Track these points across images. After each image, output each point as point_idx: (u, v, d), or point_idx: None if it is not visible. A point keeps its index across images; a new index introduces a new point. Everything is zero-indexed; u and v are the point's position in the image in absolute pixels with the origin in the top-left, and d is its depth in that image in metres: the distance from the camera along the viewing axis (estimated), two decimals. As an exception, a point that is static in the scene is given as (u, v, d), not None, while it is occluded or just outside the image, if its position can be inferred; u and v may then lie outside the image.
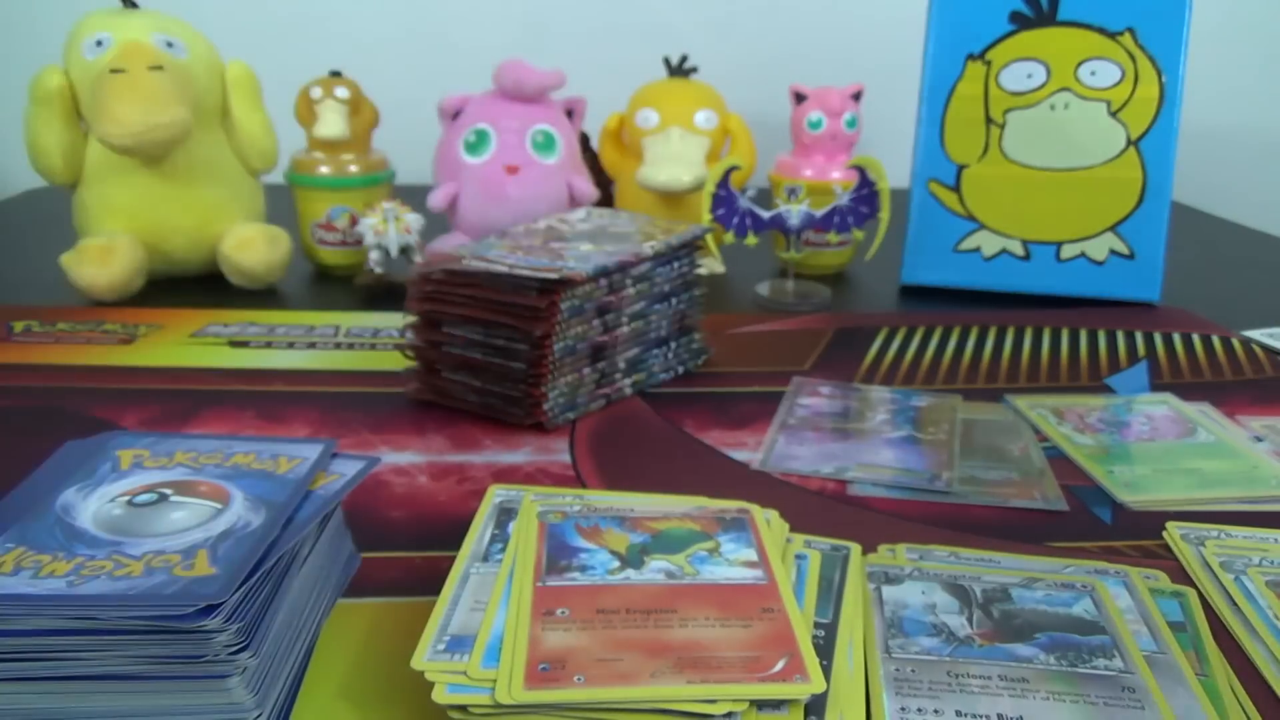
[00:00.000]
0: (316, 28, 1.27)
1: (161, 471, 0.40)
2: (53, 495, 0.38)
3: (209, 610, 0.31)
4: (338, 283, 0.89)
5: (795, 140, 0.94)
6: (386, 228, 0.83)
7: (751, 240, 0.85)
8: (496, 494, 0.47)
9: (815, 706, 0.34)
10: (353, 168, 0.88)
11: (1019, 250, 0.88)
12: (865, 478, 0.54)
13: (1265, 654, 0.39)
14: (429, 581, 0.41)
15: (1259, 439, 0.59)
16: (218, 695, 0.32)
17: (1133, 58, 0.85)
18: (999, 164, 0.87)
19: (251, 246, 0.83)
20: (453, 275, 0.58)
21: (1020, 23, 0.86)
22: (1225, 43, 1.30)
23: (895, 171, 0.88)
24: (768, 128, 1.05)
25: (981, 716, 0.34)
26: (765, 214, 0.84)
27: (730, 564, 0.41)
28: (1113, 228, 0.86)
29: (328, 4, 1.27)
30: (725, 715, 0.32)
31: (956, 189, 0.88)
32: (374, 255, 0.84)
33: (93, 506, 0.37)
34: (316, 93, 0.87)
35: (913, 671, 0.37)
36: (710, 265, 0.93)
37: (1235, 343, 0.76)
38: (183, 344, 0.72)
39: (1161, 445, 0.58)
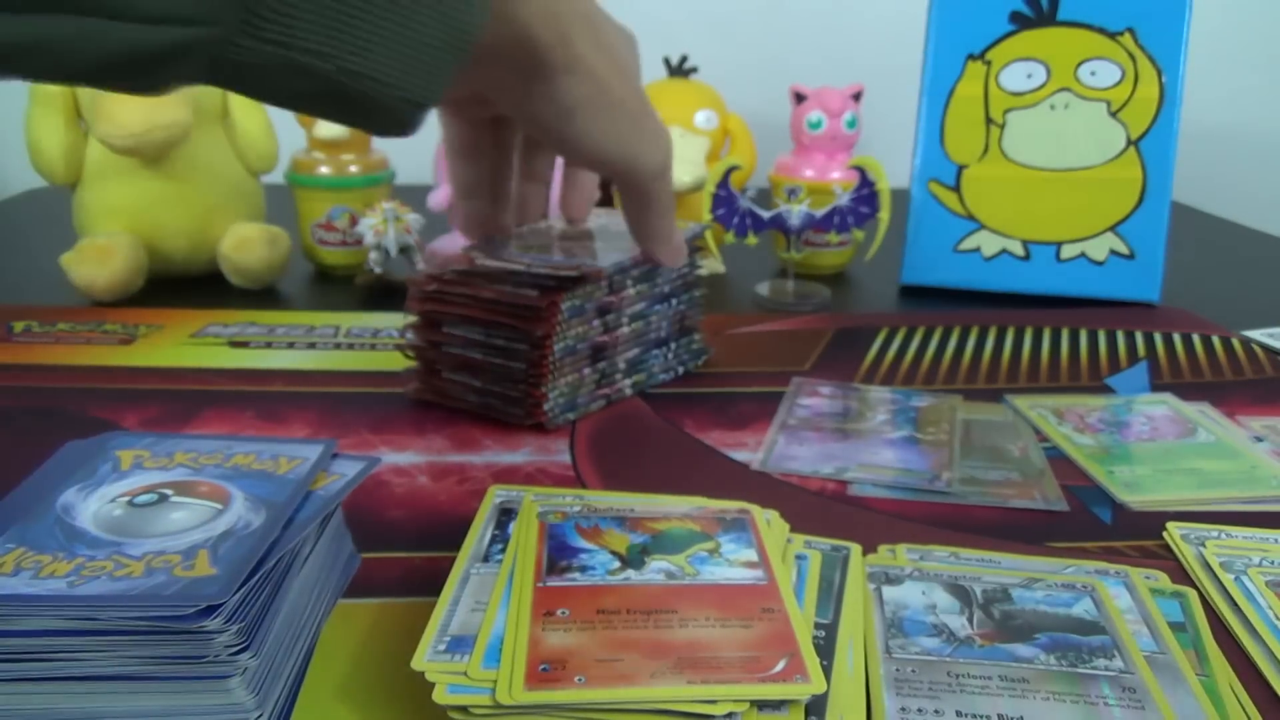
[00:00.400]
0: (316, 28, 1.27)
1: (161, 472, 0.40)
2: (53, 495, 0.38)
3: (209, 610, 0.31)
4: (338, 283, 0.89)
5: (795, 140, 0.94)
6: (386, 228, 0.83)
7: (751, 240, 0.85)
8: (496, 494, 0.47)
9: (815, 707, 0.34)
10: (353, 168, 0.88)
11: (1019, 250, 0.88)
12: (865, 478, 0.54)
13: (1265, 654, 0.39)
14: (429, 581, 0.41)
15: (1259, 439, 0.59)
16: (218, 696, 0.32)
17: (1133, 58, 0.85)
18: (999, 164, 0.87)
19: (251, 246, 0.83)
20: (464, 276, 0.58)
21: (1020, 23, 0.86)
22: (1225, 43, 1.30)
23: (895, 171, 0.88)
24: (768, 128, 1.05)
25: (981, 716, 0.34)
26: (765, 214, 0.84)
27: (730, 564, 0.41)
28: (1113, 228, 0.86)
29: (328, 4, 1.27)
30: (725, 715, 0.32)
31: (956, 189, 0.88)
32: (374, 255, 0.84)
33: (93, 507, 0.37)
34: None
35: (913, 672, 0.37)
36: (710, 265, 0.93)
37: (1235, 343, 0.76)
38: (183, 344, 0.72)
39: (1161, 445, 0.58)
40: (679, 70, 0.98)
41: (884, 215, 0.86)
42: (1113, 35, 0.85)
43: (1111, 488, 0.53)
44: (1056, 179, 0.87)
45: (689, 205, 0.91)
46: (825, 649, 0.38)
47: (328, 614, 0.41)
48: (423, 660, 0.34)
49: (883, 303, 0.87)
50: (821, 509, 0.51)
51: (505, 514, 0.45)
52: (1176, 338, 0.77)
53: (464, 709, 0.33)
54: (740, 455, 0.56)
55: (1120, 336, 0.78)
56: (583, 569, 0.40)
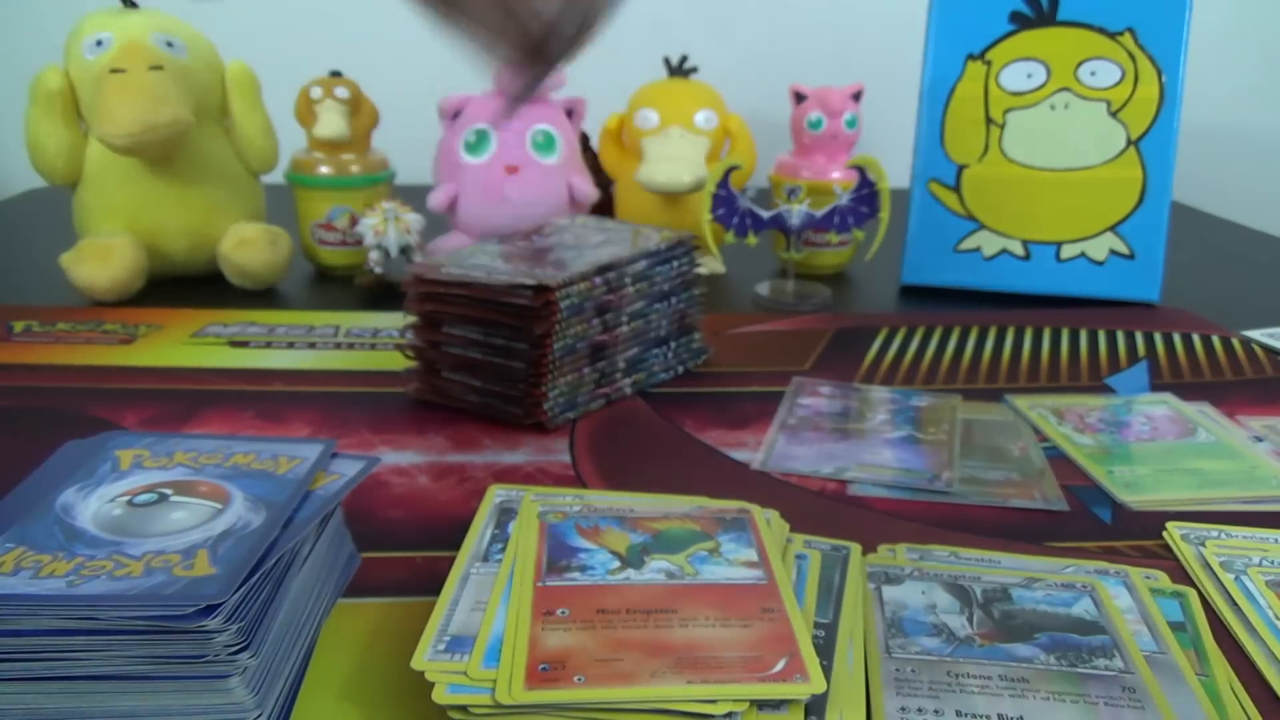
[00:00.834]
0: (316, 28, 1.27)
1: (161, 471, 0.40)
2: (53, 495, 0.38)
3: (209, 610, 0.31)
4: (338, 283, 0.89)
5: (795, 140, 0.94)
6: (386, 228, 0.83)
7: (751, 240, 0.85)
8: (496, 494, 0.47)
9: (815, 706, 0.34)
10: (353, 168, 0.88)
11: (1019, 250, 0.88)
12: (865, 478, 0.54)
13: (1265, 654, 0.39)
14: (429, 581, 0.41)
15: (1259, 439, 0.59)
16: (218, 695, 0.32)
17: (1133, 58, 0.85)
18: (999, 164, 0.87)
19: (251, 246, 0.83)
20: (440, 281, 0.59)
21: (1020, 23, 0.86)
22: (1225, 43, 1.30)
23: (895, 171, 0.88)
24: (768, 128, 1.05)
25: (981, 716, 0.34)
26: (765, 214, 0.84)
27: (730, 564, 0.41)
28: (1113, 228, 0.86)
29: (328, 4, 1.27)
30: (725, 715, 0.32)
31: (956, 189, 0.88)
32: (374, 255, 0.84)
33: (93, 506, 0.37)
34: (316, 93, 0.87)
35: (913, 671, 0.37)
36: (710, 265, 0.93)
37: (1235, 343, 0.76)
38: (183, 344, 0.72)
39: (1161, 445, 0.58)
40: (679, 70, 0.98)
41: (884, 215, 0.86)
42: (1113, 35, 0.85)
43: (1111, 488, 0.53)
44: (1056, 179, 0.86)
45: (689, 205, 0.91)
46: (825, 649, 0.38)
47: (328, 614, 0.41)
48: (423, 660, 0.34)
49: (883, 303, 0.87)
50: (821, 509, 0.51)
51: (505, 514, 0.45)
52: (1176, 338, 0.77)
53: (464, 708, 0.33)
54: (740, 455, 0.56)
55: (1120, 336, 0.78)
56: (582, 569, 0.40)
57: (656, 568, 0.40)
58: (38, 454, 0.41)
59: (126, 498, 0.38)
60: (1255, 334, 0.78)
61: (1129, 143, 0.85)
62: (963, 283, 0.88)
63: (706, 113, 0.94)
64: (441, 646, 0.35)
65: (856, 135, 0.93)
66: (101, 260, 0.80)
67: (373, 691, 0.36)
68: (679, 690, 0.33)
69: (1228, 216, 1.22)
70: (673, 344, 0.67)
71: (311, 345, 0.72)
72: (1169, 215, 0.85)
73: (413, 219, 0.84)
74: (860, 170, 0.85)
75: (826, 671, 0.36)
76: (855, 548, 0.45)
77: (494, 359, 0.58)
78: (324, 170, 0.88)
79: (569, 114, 0.89)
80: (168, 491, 0.39)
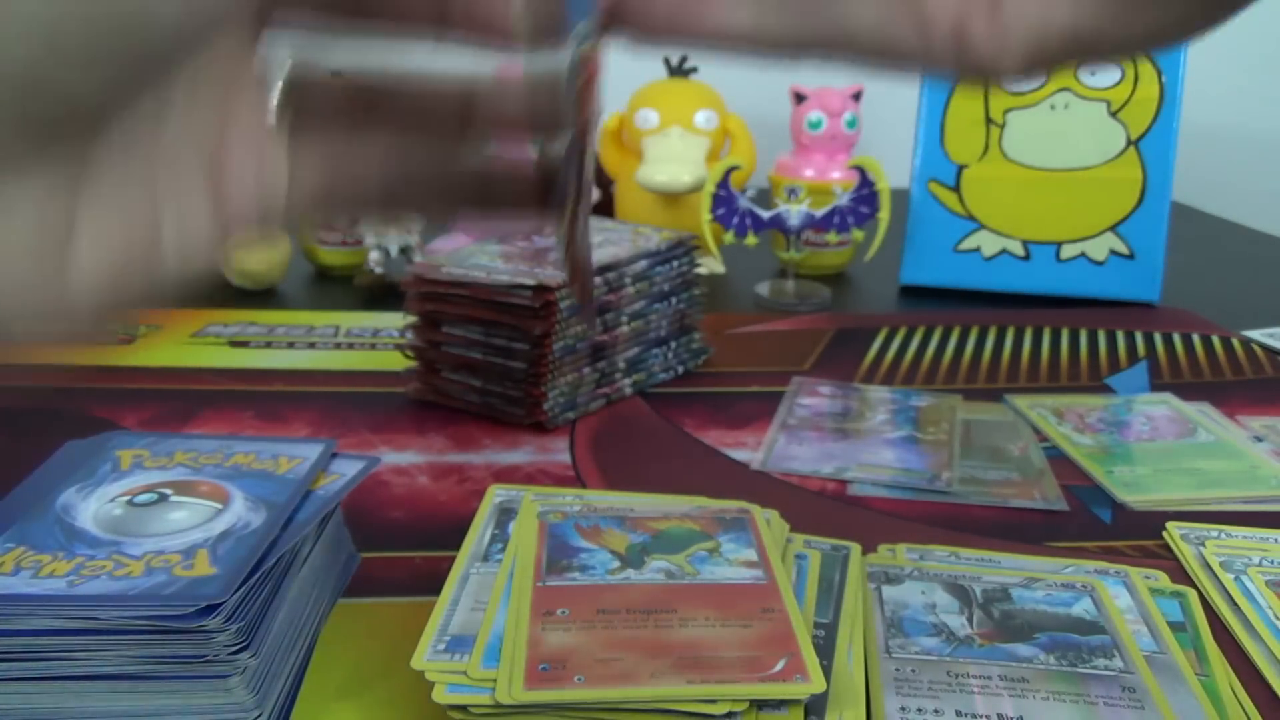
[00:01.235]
0: (316, 28, 1.27)
1: (161, 471, 0.40)
2: (53, 495, 0.38)
3: (209, 610, 0.31)
4: (338, 283, 0.89)
5: (795, 140, 0.94)
6: (386, 228, 0.83)
7: (751, 240, 0.85)
8: (496, 494, 0.47)
9: (815, 706, 0.34)
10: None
11: (1019, 250, 0.88)
12: (865, 478, 0.54)
13: (1265, 654, 0.39)
14: (429, 581, 0.41)
15: (1259, 439, 0.59)
16: (218, 695, 0.32)
17: (1133, 58, 0.85)
18: (999, 164, 0.87)
19: (252, 247, 0.83)
20: (440, 281, 0.59)
21: (1020, 23, 0.86)
22: (1225, 43, 1.30)
23: (895, 171, 0.88)
24: (768, 128, 1.05)
25: (981, 716, 0.34)
26: (765, 214, 0.84)
27: (730, 564, 0.41)
28: (1113, 228, 0.86)
29: (328, 4, 1.27)
30: (725, 715, 0.32)
31: (956, 189, 0.88)
32: (374, 255, 0.84)
33: (93, 506, 0.37)
34: None
35: (913, 671, 0.37)
36: (710, 265, 0.93)
37: (1235, 343, 0.76)
38: (183, 344, 0.72)
39: (1161, 445, 0.58)
40: (679, 70, 0.98)
41: (884, 215, 0.86)
42: (1113, 35, 0.85)
43: (1111, 488, 0.53)
44: (1056, 179, 0.86)
45: (689, 205, 0.91)
46: (825, 649, 0.38)
47: (328, 614, 0.41)
48: (423, 660, 0.34)
49: (883, 303, 0.87)
50: (821, 509, 0.51)
51: (505, 514, 0.45)
52: (1176, 338, 0.77)
53: (464, 708, 0.33)
54: (740, 455, 0.56)
55: (1120, 336, 0.78)
56: (583, 569, 0.40)
57: (656, 568, 0.40)
58: (38, 454, 0.41)
59: (126, 498, 0.38)
60: (1255, 334, 0.78)
61: (1129, 143, 0.85)
62: (963, 283, 0.88)
63: (706, 113, 0.94)
64: (441, 646, 0.35)
65: (856, 135, 0.93)
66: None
67: (373, 691, 0.36)
68: (679, 690, 0.33)
69: (1228, 216, 1.22)
70: (673, 344, 0.67)
71: (311, 345, 0.72)
72: (1169, 215, 0.85)
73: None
74: (860, 170, 0.85)
75: (826, 671, 0.36)
76: (855, 548, 0.45)
77: (494, 359, 0.58)
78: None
79: (569, 114, 0.89)
80: (168, 491, 0.39)
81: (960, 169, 0.88)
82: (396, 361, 0.67)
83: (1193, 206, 1.24)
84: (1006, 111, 0.87)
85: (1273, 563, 0.45)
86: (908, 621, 0.40)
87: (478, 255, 0.62)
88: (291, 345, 0.72)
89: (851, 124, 0.92)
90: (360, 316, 0.79)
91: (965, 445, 0.58)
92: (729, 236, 0.85)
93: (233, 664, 0.32)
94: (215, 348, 0.71)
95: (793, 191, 0.84)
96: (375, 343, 0.73)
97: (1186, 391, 0.66)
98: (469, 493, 0.51)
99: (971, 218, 0.89)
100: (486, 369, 0.59)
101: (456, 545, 0.42)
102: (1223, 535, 0.48)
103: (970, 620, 0.40)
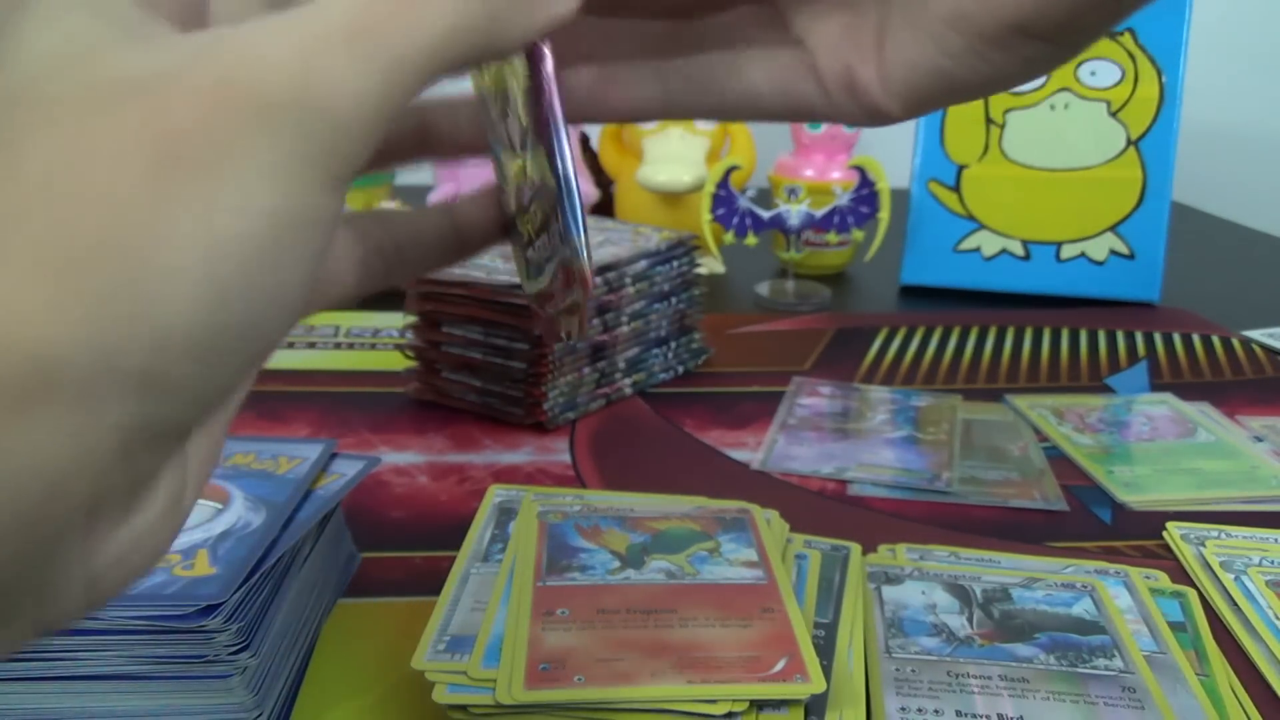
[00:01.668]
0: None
1: (161, 471, 0.40)
2: (53, 495, 0.38)
3: (209, 610, 0.31)
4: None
5: (795, 140, 0.94)
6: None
7: (751, 240, 0.85)
8: (496, 494, 0.47)
9: (815, 706, 0.34)
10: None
11: (1019, 250, 0.88)
12: (865, 478, 0.54)
13: (1265, 654, 0.39)
14: (429, 581, 0.41)
15: (1259, 439, 0.59)
16: (218, 695, 0.32)
17: (1133, 58, 0.85)
18: (999, 164, 0.87)
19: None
20: (440, 281, 0.59)
21: (1020, 23, 0.86)
22: (1225, 43, 1.30)
23: (895, 171, 0.88)
24: (768, 128, 1.05)
25: (981, 716, 0.34)
26: (765, 214, 0.84)
27: (730, 564, 0.41)
28: (1113, 228, 0.86)
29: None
30: (725, 715, 0.32)
31: (956, 189, 0.88)
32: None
33: (93, 506, 0.37)
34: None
35: (913, 671, 0.37)
36: (710, 265, 0.93)
37: (1235, 343, 0.76)
38: (183, 344, 0.72)
39: (1161, 445, 0.58)
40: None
41: (884, 215, 0.86)
42: (1113, 35, 0.85)
43: (1111, 488, 0.53)
44: (1056, 179, 0.86)
45: (689, 205, 0.91)
46: (825, 649, 0.38)
47: (328, 614, 0.41)
48: (422, 660, 0.34)
49: (883, 303, 0.87)
50: (821, 509, 0.51)
51: (505, 514, 0.45)
52: (1176, 338, 0.77)
53: (464, 708, 0.33)
54: (740, 455, 0.56)
55: (1120, 336, 0.78)
56: (583, 569, 0.40)
57: (656, 568, 0.40)
58: (38, 454, 0.41)
59: (126, 498, 0.38)
60: (1255, 334, 0.78)
61: (1129, 143, 0.85)
62: (963, 283, 0.88)
63: (706, 113, 0.94)
64: (441, 646, 0.35)
65: (856, 135, 0.93)
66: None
67: (373, 691, 0.36)
68: (679, 690, 0.33)
69: (1228, 216, 1.22)
70: (673, 344, 0.67)
71: (311, 345, 0.72)
72: (1169, 215, 0.85)
73: (413, 219, 0.84)
74: (860, 170, 0.85)
75: (826, 671, 0.36)
76: (855, 548, 0.45)
77: (494, 359, 0.58)
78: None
79: (569, 114, 0.89)
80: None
81: (960, 169, 0.88)
82: (396, 361, 0.67)
83: (1193, 206, 1.24)
84: (1006, 111, 0.87)
85: (1273, 563, 0.45)
86: (908, 621, 0.40)
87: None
88: (291, 345, 0.72)
89: (851, 124, 0.92)
90: (360, 316, 0.79)
91: (965, 445, 0.58)
92: (729, 236, 0.85)
93: (233, 664, 0.32)
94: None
95: (793, 191, 0.84)
96: (375, 343, 0.73)
97: (1186, 391, 0.66)
98: (469, 493, 0.51)
99: (971, 218, 0.89)
100: (486, 369, 0.59)
101: (456, 545, 0.42)
102: (1223, 535, 0.48)
103: (970, 620, 0.40)
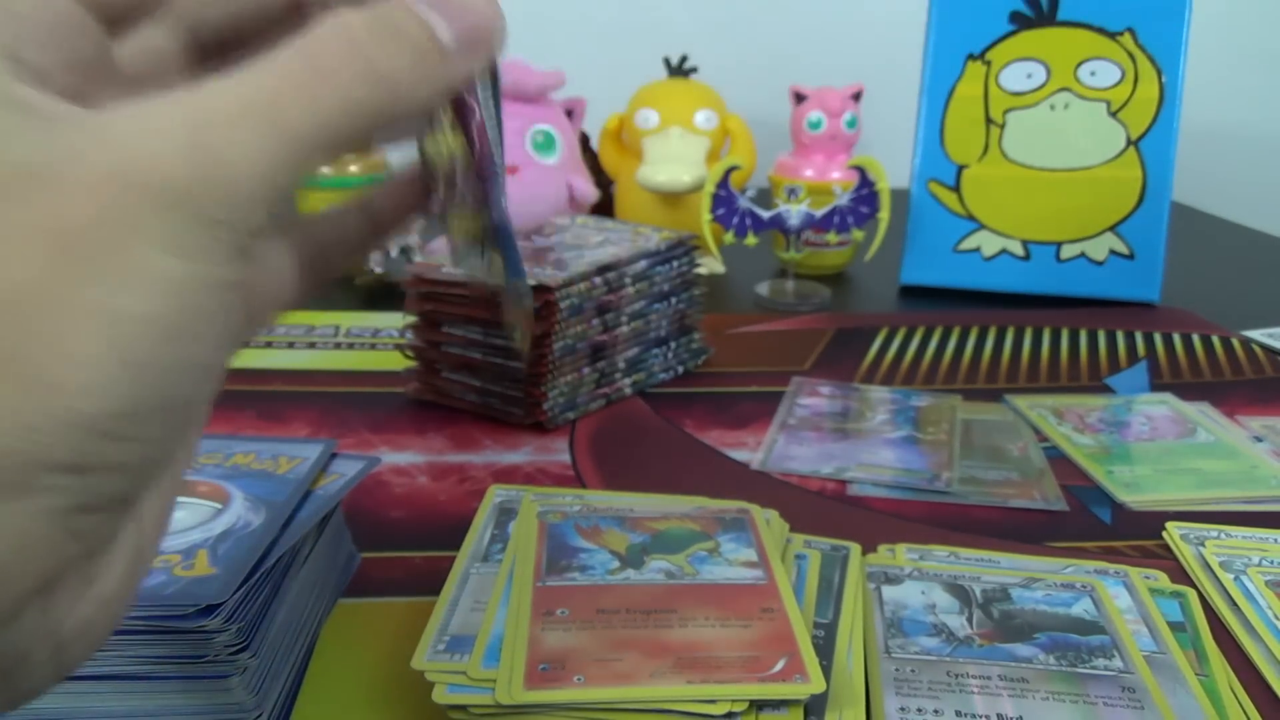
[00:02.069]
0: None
1: (161, 471, 0.40)
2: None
3: (209, 610, 0.31)
4: (338, 283, 0.89)
5: (795, 140, 0.94)
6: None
7: (751, 240, 0.85)
8: (496, 494, 0.47)
9: (815, 706, 0.34)
10: (353, 168, 0.88)
11: (1019, 250, 0.88)
12: (865, 478, 0.54)
13: (1265, 654, 0.39)
14: (429, 581, 0.41)
15: (1259, 439, 0.59)
16: (218, 695, 0.32)
17: (1133, 58, 0.85)
18: (999, 164, 0.87)
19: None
20: (440, 281, 0.59)
21: (1020, 23, 0.86)
22: (1225, 43, 1.30)
23: (895, 171, 0.88)
24: (768, 128, 1.05)
25: (981, 716, 0.34)
26: (765, 214, 0.84)
27: (730, 564, 0.41)
28: (1113, 228, 0.86)
29: (328, 4, 1.27)
30: (725, 715, 0.32)
31: (956, 189, 0.88)
32: (374, 255, 0.84)
33: (93, 506, 0.37)
34: None
35: (913, 671, 0.37)
36: (710, 265, 0.93)
37: (1235, 343, 0.76)
38: (183, 344, 0.72)
39: (1161, 445, 0.58)
40: (679, 70, 0.98)
41: (884, 215, 0.86)
42: (1113, 35, 0.85)
43: (1111, 488, 0.53)
44: (1056, 179, 0.86)
45: (689, 205, 0.91)
46: (825, 649, 0.38)
47: (327, 614, 0.41)
48: (422, 660, 0.34)
49: (883, 303, 0.87)
50: (821, 509, 0.51)
51: (505, 514, 0.45)
52: (1176, 338, 0.77)
53: (464, 708, 0.33)
54: (740, 455, 0.56)
55: (1120, 336, 0.78)
56: (582, 569, 0.40)
57: (656, 568, 0.40)
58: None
59: (126, 498, 0.38)
60: (1255, 334, 0.78)
61: (1129, 143, 0.85)
62: (963, 283, 0.88)
63: (706, 113, 0.94)
64: (441, 646, 0.35)
65: (856, 135, 0.93)
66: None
67: (373, 691, 0.36)
68: (679, 690, 0.33)
69: (1228, 216, 1.22)
70: (673, 344, 0.67)
71: (311, 345, 0.72)
72: (1169, 215, 0.85)
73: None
74: (860, 170, 0.85)
75: (826, 672, 0.36)
76: (855, 548, 0.45)
77: (494, 359, 0.58)
78: (324, 170, 0.88)
79: (569, 114, 0.89)
80: (168, 491, 0.39)
81: (960, 169, 0.88)
82: (396, 361, 0.67)
83: (1193, 206, 1.24)
84: (1006, 111, 0.87)
85: (1273, 563, 0.45)
86: (907, 622, 0.40)
87: None
88: (291, 345, 0.72)
89: (851, 124, 0.92)
90: (360, 316, 0.79)
91: (965, 445, 0.58)
92: (729, 236, 0.85)
93: (233, 664, 0.32)
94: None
95: (793, 191, 0.84)
96: (375, 343, 0.73)
97: (1186, 391, 0.66)
98: (469, 493, 0.51)
99: (971, 218, 0.89)
100: (486, 369, 0.59)
101: (456, 545, 0.42)
102: (1222, 535, 0.48)
103: (970, 620, 0.40)
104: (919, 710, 0.35)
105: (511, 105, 0.85)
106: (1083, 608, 0.41)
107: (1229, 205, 1.26)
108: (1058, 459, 0.57)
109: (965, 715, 0.34)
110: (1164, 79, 0.84)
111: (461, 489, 0.52)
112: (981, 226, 0.88)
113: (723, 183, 0.84)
